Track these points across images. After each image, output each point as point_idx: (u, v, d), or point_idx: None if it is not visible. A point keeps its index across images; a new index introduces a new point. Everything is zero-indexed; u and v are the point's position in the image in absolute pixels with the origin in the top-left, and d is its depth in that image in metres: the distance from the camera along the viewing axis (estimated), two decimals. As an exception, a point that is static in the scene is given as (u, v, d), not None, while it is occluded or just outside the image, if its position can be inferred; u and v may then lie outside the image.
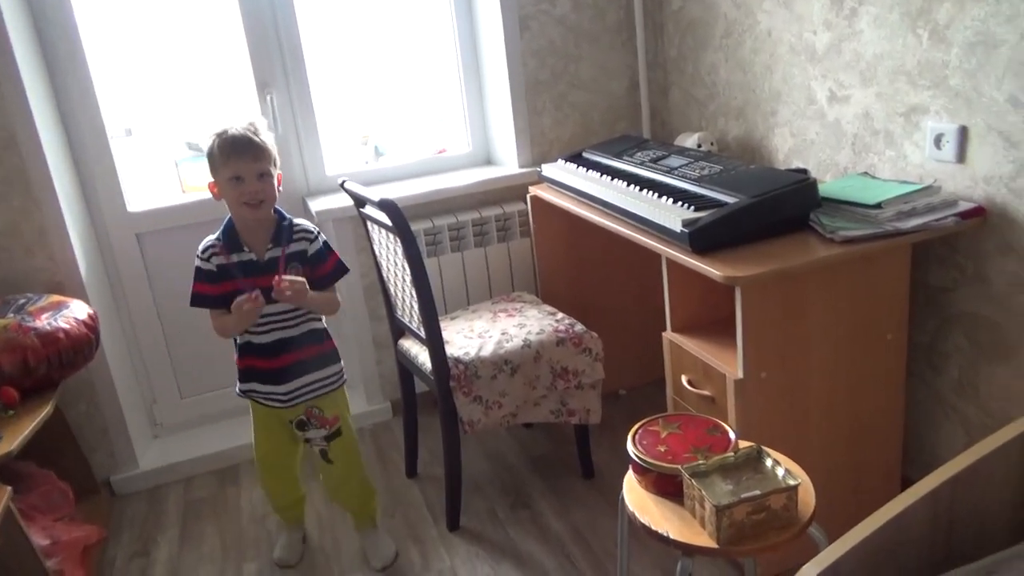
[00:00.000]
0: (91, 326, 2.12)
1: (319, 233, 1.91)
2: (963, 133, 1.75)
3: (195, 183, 2.73)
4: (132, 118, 2.66)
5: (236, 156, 1.75)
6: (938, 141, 1.80)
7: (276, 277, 1.77)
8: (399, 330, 2.38)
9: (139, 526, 2.41)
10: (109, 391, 2.48)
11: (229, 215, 1.85)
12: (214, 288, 1.84)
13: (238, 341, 1.92)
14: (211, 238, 1.86)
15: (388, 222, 1.98)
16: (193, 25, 2.60)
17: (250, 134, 1.76)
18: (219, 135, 1.76)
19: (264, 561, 2.19)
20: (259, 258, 1.84)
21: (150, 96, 2.65)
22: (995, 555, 1.23)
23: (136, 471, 2.60)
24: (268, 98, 2.61)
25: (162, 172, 2.74)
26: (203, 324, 2.70)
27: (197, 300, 1.86)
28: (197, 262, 1.84)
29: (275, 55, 2.59)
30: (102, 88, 2.45)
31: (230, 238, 1.84)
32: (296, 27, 2.59)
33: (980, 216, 1.72)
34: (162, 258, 2.64)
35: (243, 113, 2.64)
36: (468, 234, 2.72)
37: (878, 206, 1.72)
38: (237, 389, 1.99)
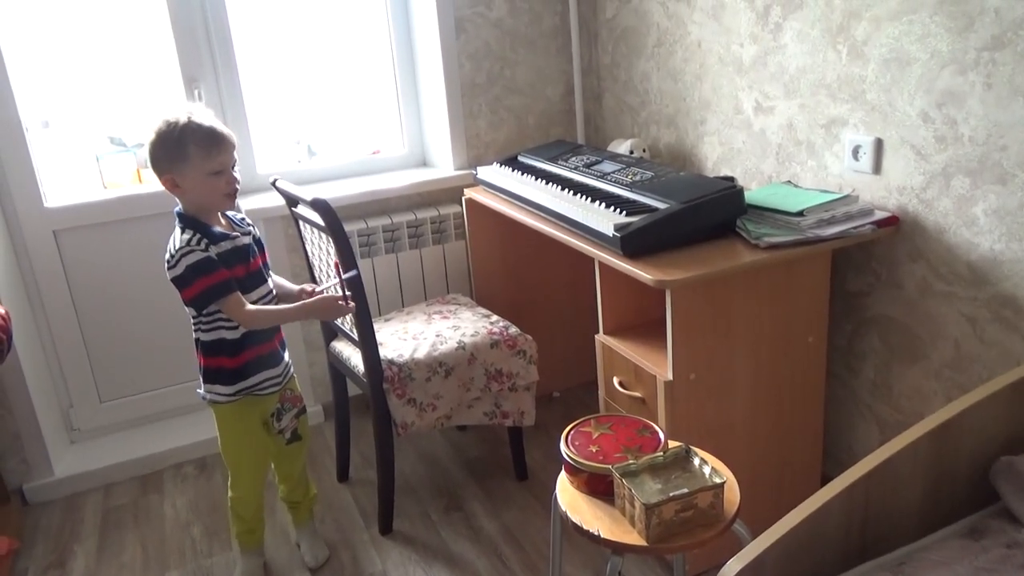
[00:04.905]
0: (3, 327, 2.01)
1: None
2: (879, 145, 1.83)
3: (117, 179, 2.63)
4: (50, 110, 2.54)
5: (218, 149, 1.68)
6: (856, 152, 1.89)
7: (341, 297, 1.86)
8: (331, 332, 2.35)
9: (54, 536, 2.31)
10: (22, 395, 2.37)
11: (179, 210, 1.73)
12: (231, 272, 1.72)
13: (230, 337, 1.78)
14: (186, 235, 1.69)
15: (321, 222, 1.95)
16: (116, 13, 2.50)
17: (218, 125, 1.70)
18: (183, 127, 1.65)
19: (188, 569, 2.12)
20: (241, 244, 1.78)
21: (69, 87, 2.54)
22: (906, 547, 1.30)
23: (51, 478, 2.48)
24: (196, 92, 2.54)
25: (82, 167, 2.63)
26: (125, 326, 2.64)
27: (224, 288, 1.68)
28: (195, 256, 1.66)
29: (203, 48, 2.52)
30: (17, 78, 2.34)
31: (204, 230, 1.72)
32: (226, 19, 2.52)
33: (894, 225, 1.81)
34: (81, 256, 2.53)
35: (174, 105, 2.56)
36: (403, 235, 2.70)
37: (800, 214, 1.79)
38: (220, 394, 1.82)
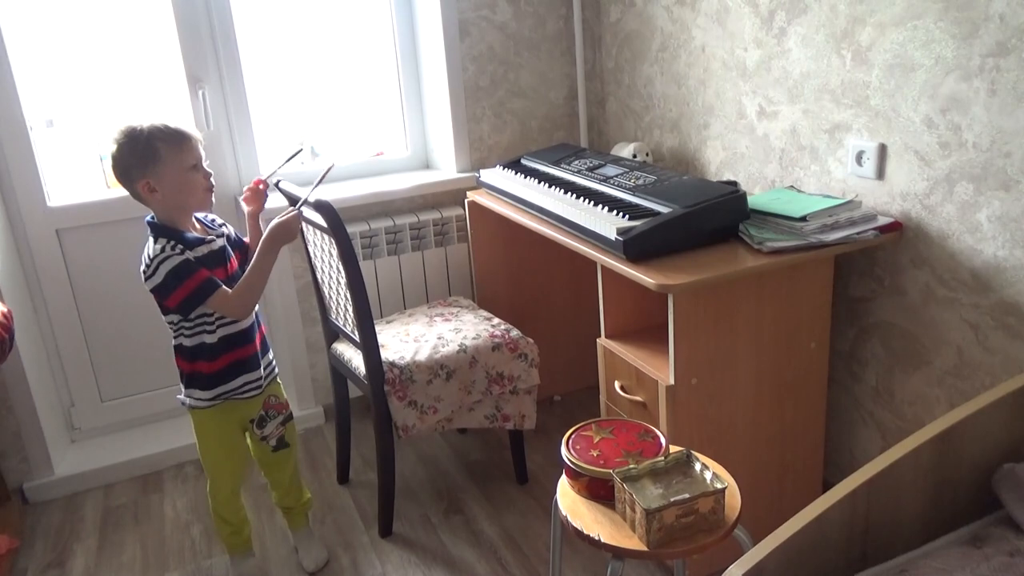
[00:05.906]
0: (5, 325, 2.02)
1: None
2: (882, 151, 1.83)
3: (121, 179, 2.63)
4: (55, 109, 2.54)
5: (188, 143, 1.69)
6: (859, 158, 1.88)
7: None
8: (333, 333, 2.34)
9: (54, 535, 2.31)
10: (23, 393, 2.37)
11: (151, 218, 1.72)
12: (209, 272, 1.70)
13: (209, 341, 1.77)
14: (159, 243, 1.67)
15: (323, 223, 1.95)
16: (121, 14, 2.51)
17: (181, 125, 1.71)
18: (148, 130, 1.65)
19: (187, 570, 2.12)
20: (216, 248, 1.77)
21: (74, 87, 2.55)
22: (907, 554, 1.29)
23: (51, 477, 2.48)
24: (200, 93, 2.54)
25: (85, 166, 2.63)
26: (126, 325, 2.64)
27: (209, 287, 1.67)
28: (173, 261, 1.65)
29: (208, 49, 2.53)
30: (22, 77, 2.34)
31: (178, 236, 1.70)
32: (231, 20, 2.52)
33: (897, 230, 1.80)
34: (84, 256, 2.53)
35: (166, 110, 2.57)
36: (405, 237, 2.70)
37: (803, 219, 1.78)
38: (199, 399, 1.81)
